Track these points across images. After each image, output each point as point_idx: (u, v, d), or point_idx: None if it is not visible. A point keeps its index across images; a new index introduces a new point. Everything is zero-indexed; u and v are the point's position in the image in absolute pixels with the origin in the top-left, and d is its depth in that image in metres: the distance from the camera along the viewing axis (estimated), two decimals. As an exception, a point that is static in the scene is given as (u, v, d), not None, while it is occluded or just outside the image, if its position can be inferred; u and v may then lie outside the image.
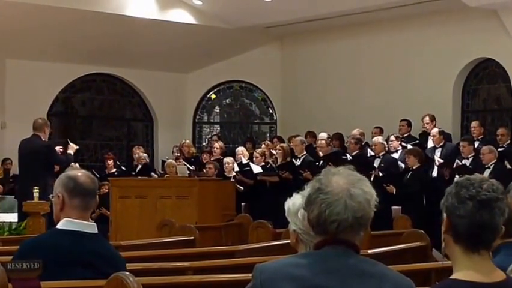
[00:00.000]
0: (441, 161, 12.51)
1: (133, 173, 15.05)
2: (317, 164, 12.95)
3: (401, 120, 14.36)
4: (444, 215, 2.69)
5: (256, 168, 13.47)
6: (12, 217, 10.97)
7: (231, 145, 17.69)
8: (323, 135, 14.24)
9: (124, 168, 15.73)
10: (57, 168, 14.18)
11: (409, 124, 14.30)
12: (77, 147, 11.94)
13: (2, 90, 16.31)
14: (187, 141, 16.12)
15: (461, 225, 2.64)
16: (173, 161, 14.30)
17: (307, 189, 2.77)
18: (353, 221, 2.67)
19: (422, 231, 7.95)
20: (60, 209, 4.03)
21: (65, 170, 4.40)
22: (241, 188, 13.45)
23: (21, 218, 10.59)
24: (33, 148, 11.07)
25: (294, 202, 3.53)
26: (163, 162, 14.96)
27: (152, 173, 15.21)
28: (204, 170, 14.12)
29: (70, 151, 11.61)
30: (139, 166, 15.30)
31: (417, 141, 13.87)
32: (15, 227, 10.22)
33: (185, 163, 14.28)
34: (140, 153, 15.62)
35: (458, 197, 2.65)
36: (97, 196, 4.16)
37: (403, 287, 2.72)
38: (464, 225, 2.64)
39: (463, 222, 2.64)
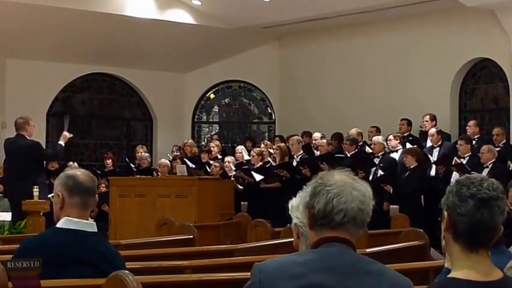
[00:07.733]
0: (434, 159, 12.54)
1: (136, 171, 14.96)
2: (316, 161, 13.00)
3: (401, 120, 14.34)
4: (445, 213, 2.70)
5: (258, 176, 13.43)
6: (6, 216, 10.92)
7: (229, 145, 17.67)
8: (317, 135, 14.25)
9: (125, 166, 15.66)
10: (55, 166, 14.24)
11: (409, 123, 14.28)
12: (71, 135, 11.65)
13: (2, 90, 16.30)
14: (190, 140, 16.06)
15: (462, 223, 2.65)
16: (166, 161, 14.31)
17: (308, 188, 2.81)
18: (358, 212, 2.71)
19: (421, 230, 7.97)
20: (60, 207, 4.04)
21: (64, 170, 4.41)
22: (241, 187, 13.47)
23: (14, 217, 10.58)
24: (20, 148, 10.99)
25: (296, 199, 3.59)
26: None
27: (154, 173, 15.19)
28: (209, 169, 14.14)
29: (61, 142, 11.42)
30: (142, 166, 15.26)
31: (412, 139, 13.87)
32: (8, 226, 10.20)
33: (187, 161, 14.25)
34: (143, 153, 15.61)
35: (459, 195, 2.66)
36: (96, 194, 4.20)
37: (400, 286, 2.74)
38: (465, 223, 2.64)
39: (464, 221, 2.64)
